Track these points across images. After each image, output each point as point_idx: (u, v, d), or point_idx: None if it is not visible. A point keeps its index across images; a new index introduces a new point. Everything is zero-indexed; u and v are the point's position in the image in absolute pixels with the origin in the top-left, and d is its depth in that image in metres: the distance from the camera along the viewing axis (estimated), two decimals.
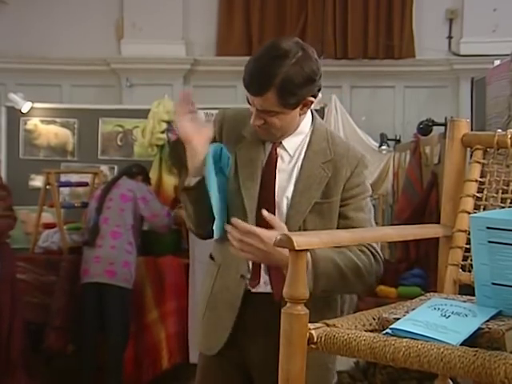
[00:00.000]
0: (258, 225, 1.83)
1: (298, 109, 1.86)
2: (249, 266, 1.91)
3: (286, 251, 1.39)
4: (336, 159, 1.91)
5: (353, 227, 1.85)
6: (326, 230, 1.84)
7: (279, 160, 1.92)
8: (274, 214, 1.84)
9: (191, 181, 1.89)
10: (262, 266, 1.90)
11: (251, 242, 1.71)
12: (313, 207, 1.87)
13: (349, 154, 1.93)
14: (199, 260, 4.06)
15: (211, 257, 2.04)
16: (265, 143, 1.94)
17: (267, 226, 1.78)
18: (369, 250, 1.86)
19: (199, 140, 1.87)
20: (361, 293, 1.80)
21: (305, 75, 1.79)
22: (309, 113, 1.96)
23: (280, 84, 1.77)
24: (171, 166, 4.61)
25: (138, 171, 4.54)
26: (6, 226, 3.90)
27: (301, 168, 1.90)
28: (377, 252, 1.87)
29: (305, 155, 1.92)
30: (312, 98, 1.87)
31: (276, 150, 1.93)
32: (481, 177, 1.72)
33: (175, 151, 4.40)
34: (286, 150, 1.93)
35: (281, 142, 1.93)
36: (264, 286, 1.91)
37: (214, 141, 1.95)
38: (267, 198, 1.89)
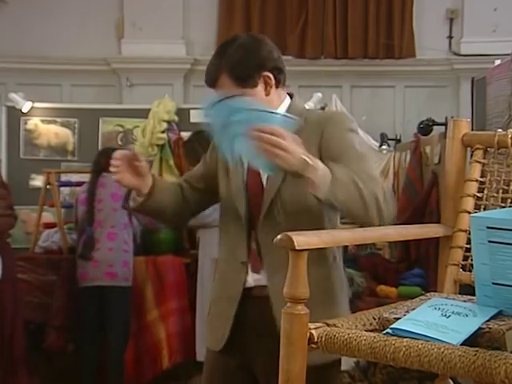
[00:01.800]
0: (251, 222, 1.91)
1: (260, 88, 1.88)
2: (248, 253, 1.92)
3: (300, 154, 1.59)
4: (306, 127, 1.85)
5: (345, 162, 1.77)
6: (303, 195, 1.78)
7: None
8: (261, 207, 1.88)
9: (137, 201, 1.99)
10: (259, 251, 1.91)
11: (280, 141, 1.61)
12: (286, 175, 1.79)
13: (320, 118, 1.91)
14: (211, 257, 3.99)
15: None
16: None
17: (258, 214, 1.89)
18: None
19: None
20: (373, 219, 1.68)
21: (251, 51, 1.87)
22: (287, 100, 1.96)
23: (226, 64, 1.85)
24: (189, 164, 4.49)
25: (107, 161, 4.38)
26: (6, 225, 3.90)
27: None
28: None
29: None
30: (269, 74, 1.88)
31: None
32: (481, 176, 1.72)
33: (191, 148, 4.31)
34: None
35: None
36: (264, 278, 1.91)
37: (206, 159, 2.07)
38: (255, 192, 1.92)
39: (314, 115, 1.96)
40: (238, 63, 1.85)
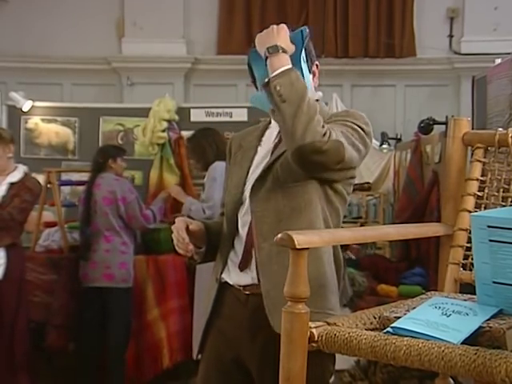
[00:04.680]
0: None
1: (311, 75, 1.96)
2: (225, 265, 1.96)
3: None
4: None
5: None
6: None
7: None
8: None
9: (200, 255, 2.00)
10: (254, 254, 1.91)
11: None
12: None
13: (336, 113, 1.99)
14: None
15: None
16: (257, 147, 2.00)
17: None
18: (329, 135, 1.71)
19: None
20: (299, 138, 1.65)
21: (308, 40, 1.96)
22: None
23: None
24: (195, 160, 4.45)
25: (104, 159, 4.34)
26: None
27: None
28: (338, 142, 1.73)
29: None
30: (318, 64, 1.99)
31: None
32: (482, 175, 1.72)
33: (197, 144, 4.29)
34: None
35: None
36: (255, 279, 1.92)
37: (228, 162, 2.10)
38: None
39: (332, 112, 2.01)
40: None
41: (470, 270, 1.63)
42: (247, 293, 1.92)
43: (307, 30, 1.91)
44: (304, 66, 1.89)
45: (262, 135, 2.04)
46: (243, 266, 1.93)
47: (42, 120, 5.73)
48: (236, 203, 1.96)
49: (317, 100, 1.92)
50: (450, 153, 1.77)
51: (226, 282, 1.97)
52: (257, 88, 1.98)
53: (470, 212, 1.66)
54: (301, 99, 1.69)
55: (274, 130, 2.01)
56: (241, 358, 1.96)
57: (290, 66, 1.75)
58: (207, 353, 2.03)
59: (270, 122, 2.05)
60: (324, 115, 1.94)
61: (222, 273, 1.97)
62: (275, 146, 1.95)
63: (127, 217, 4.22)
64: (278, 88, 1.69)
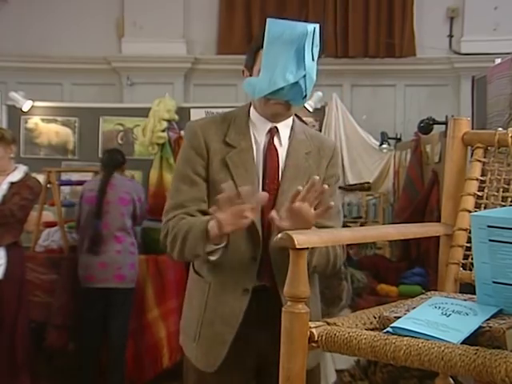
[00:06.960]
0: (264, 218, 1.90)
1: None
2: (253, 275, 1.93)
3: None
4: (315, 151, 2.01)
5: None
6: None
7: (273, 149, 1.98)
8: (274, 202, 1.91)
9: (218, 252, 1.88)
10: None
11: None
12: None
13: (323, 146, 2.05)
14: None
15: (197, 272, 2.03)
16: (253, 144, 1.97)
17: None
18: None
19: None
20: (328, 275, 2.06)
21: None
22: None
23: None
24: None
25: (124, 160, 4.43)
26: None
27: (287, 156, 1.97)
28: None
29: (289, 144, 1.99)
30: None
31: (273, 138, 1.97)
32: (481, 175, 1.72)
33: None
34: (279, 139, 1.99)
35: (277, 130, 1.98)
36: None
37: (199, 154, 1.94)
38: (271, 187, 1.94)
39: (315, 135, 2.11)
40: None
41: (470, 269, 1.63)
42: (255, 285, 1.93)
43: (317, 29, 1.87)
44: (307, 55, 1.86)
45: (247, 132, 1.97)
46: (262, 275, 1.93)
47: (42, 120, 5.74)
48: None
49: (312, 111, 1.98)
50: (450, 153, 1.77)
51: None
52: (251, 74, 1.94)
53: (470, 212, 1.65)
54: (327, 259, 1.93)
55: (263, 125, 1.97)
56: (261, 362, 1.97)
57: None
58: (227, 360, 1.95)
59: (247, 115, 1.99)
60: (301, 123, 2.07)
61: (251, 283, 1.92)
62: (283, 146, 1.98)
63: (140, 215, 4.32)
64: (314, 266, 1.88)
